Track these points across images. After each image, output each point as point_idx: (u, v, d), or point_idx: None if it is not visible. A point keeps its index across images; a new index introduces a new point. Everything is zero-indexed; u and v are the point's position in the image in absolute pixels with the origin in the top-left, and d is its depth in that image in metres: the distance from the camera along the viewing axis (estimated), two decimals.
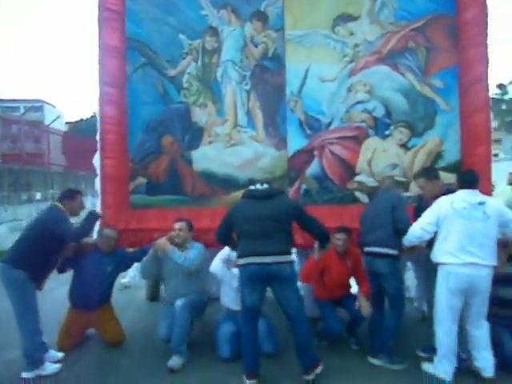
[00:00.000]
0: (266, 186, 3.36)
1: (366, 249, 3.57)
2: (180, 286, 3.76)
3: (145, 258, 3.85)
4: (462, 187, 3.18)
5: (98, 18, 4.34)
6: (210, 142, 4.38)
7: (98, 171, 4.35)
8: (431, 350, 3.30)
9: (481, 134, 3.97)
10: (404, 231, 3.31)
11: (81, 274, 3.86)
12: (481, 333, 3.08)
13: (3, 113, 22.80)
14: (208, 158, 4.36)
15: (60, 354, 3.65)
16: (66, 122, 33.06)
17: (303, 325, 3.16)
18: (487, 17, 3.92)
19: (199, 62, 4.42)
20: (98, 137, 4.34)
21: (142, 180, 4.40)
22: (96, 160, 4.39)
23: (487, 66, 3.93)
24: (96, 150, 4.39)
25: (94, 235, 4.27)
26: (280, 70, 4.33)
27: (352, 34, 4.28)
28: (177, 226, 3.81)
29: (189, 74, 4.42)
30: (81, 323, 3.94)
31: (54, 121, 14.78)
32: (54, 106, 35.49)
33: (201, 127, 4.40)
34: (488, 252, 2.99)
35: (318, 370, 3.11)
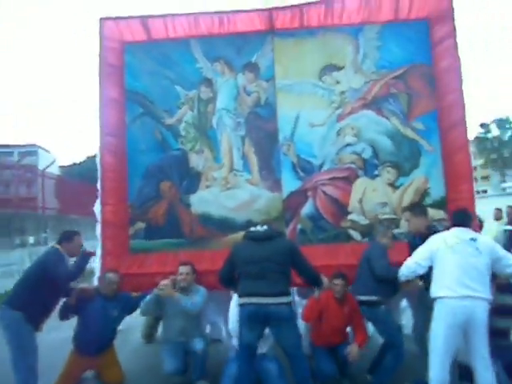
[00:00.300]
0: (265, 227, 3.50)
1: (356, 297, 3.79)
2: (186, 326, 3.88)
3: (147, 297, 3.90)
4: (455, 225, 3.36)
5: (98, 73, 4.61)
6: (208, 186, 4.54)
7: (98, 218, 4.48)
8: None
9: (463, 172, 4.20)
10: (381, 276, 3.53)
11: (85, 320, 3.89)
12: (489, 375, 3.05)
13: None
14: (205, 201, 4.51)
15: None
16: (60, 166, 33.30)
17: (301, 362, 3.25)
18: (460, 66, 4.26)
19: (195, 111, 4.66)
20: (98, 185, 4.50)
21: (141, 225, 4.51)
22: (96, 207, 4.53)
23: (464, 110, 4.22)
24: (89, 194, 4.55)
25: (95, 281, 4.34)
26: (272, 116, 4.57)
27: (338, 82, 4.57)
28: (182, 270, 3.90)
29: (185, 122, 4.65)
30: (83, 367, 3.96)
31: (48, 166, 14.94)
32: (48, 151, 35.81)
33: (198, 172, 4.58)
34: (483, 285, 3.11)
35: None
